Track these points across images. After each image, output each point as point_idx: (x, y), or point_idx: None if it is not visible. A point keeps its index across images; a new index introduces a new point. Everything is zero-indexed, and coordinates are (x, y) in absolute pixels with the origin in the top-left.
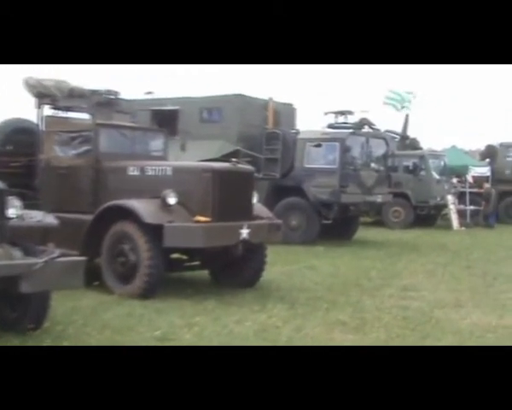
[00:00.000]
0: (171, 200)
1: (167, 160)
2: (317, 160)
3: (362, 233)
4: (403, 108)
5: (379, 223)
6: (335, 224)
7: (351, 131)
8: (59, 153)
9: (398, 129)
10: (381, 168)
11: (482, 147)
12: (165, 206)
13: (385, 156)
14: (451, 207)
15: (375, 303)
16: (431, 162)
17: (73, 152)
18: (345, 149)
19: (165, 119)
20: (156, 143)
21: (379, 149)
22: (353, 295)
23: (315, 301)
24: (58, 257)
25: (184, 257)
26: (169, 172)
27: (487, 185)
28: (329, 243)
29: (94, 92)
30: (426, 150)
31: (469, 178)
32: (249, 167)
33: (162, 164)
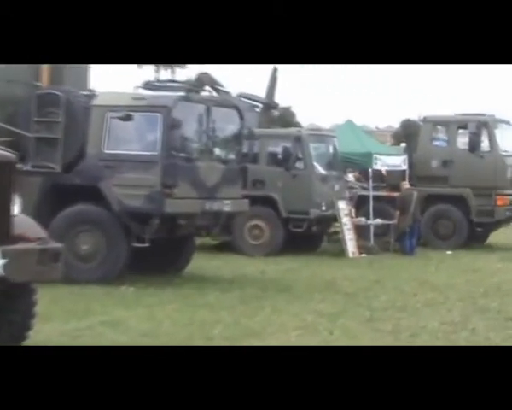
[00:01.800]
0: None
1: None
2: (126, 142)
3: (200, 263)
4: None
5: (228, 247)
6: (156, 248)
7: (181, 94)
8: None
9: (261, 93)
10: (232, 157)
11: (396, 124)
12: None
13: (238, 137)
14: (345, 221)
15: None
16: (312, 148)
17: None
18: (171, 125)
19: None
20: None
21: (228, 124)
22: None
23: None
24: None
25: None
26: None
27: (406, 185)
28: (145, 281)
29: None
30: (305, 128)
31: (373, 173)
32: (7, 153)
33: None
